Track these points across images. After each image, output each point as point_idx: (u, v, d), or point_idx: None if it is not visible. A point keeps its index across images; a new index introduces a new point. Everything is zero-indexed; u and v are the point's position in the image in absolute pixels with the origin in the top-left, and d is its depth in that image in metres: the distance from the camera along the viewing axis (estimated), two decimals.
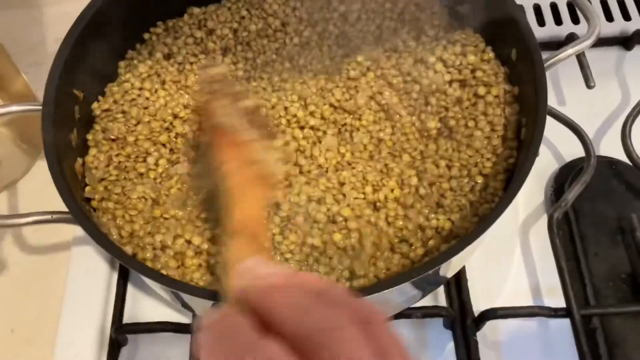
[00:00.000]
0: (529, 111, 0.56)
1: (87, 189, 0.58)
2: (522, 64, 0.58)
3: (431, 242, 0.55)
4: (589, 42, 0.58)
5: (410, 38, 0.66)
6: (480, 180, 0.57)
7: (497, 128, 0.58)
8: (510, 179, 0.55)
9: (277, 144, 0.57)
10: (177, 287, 0.47)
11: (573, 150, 0.68)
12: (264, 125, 0.57)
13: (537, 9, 0.82)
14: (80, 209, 0.51)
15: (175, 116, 0.64)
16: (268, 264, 0.37)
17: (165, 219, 0.56)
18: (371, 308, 0.31)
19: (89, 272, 0.67)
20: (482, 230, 0.49)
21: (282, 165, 0.54)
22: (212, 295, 0.44)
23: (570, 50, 0.59)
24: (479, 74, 0.61)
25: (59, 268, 0.68)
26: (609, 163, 0.68)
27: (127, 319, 0.63)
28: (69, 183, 0.53)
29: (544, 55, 0.58)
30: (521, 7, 0.59)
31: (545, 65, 0.57)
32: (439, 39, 0.65)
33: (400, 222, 0.56)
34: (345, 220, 0.55)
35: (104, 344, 0.62)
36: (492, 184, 0.56)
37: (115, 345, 0.61)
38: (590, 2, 0.82)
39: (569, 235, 0.65)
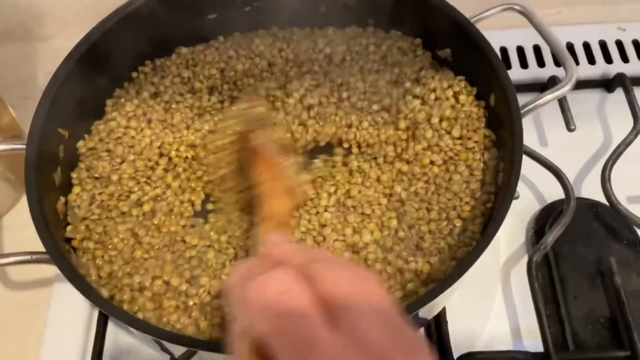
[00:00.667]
0: (506, 156, 0.57)
1: (69, 228, 0.59)
2: (500, 110, 0.59)
3: (410, 285, 0.55)
4: (567, 88, 0.59)
5: (391, 79, 0.67)
6: (458, 223, 0.57)
7: (476, 172, 0.59)
8: (488, 222, 0.56)
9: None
10: (149, 331, 0.47)
11: (554, 191, 0.68)
12: (289, 151, 0.63)
13: (520, 51, 0.84)
14: (58, 250, 0.51)
15: (160, 154, 0.64)
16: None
17: (145, 259, 0.57)
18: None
19: (70, 309, 0.67)
20: (459, 274, 0.49)
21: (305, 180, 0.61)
22: (185, 340, 0.44)
23: (549, 97, 0.60)
24: (465, 116, 0.62)
25: (40, 304, 0.68)
26: (589, 205, 0.69)
27: (107, 357, 0.63)
28: (50, 223, 0.54)
29: (524, 99, 0.60)
30: (496, 55, 0.59)
31: (524, 110, 0.59)
32: (421, 80, 0.66)
33: (379, 265, 0.56)
34: None
35: None
36: (471, 227, 0.56)
37: None
38: (573, 46, 0.84)
39: (548, 278, 0.65)
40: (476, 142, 0.61)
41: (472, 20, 0.65)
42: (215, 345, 0.45)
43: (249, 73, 0.71)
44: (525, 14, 0.64)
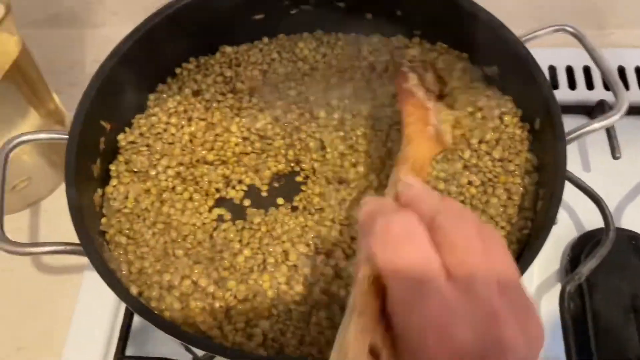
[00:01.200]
0: (547, 184, 0.56)
1: (103, 220, 0.59)
2: (545, 135, 0.57)
3: None
4: (616, 117, 0.57)
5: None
6: None
7: (514, 197, 0.58)
8: (523, 250, 0.55)
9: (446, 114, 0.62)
10: (171, 332, 0.47)
11: (594, 219, 0.66)
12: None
13: (569, 71, 0.82)
14: (92, 242, 0.52)
15: (198, 153, 0.65)
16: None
17: (177, 257, 0.57)
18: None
19: (99, 298, 0.68)
20: None
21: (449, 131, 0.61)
22: (205, 345, 0.45)
23: (597, 125, 0.58)
24: (507, 138, 0.61)
25: (71, 290, 0.70)
26: (629, 237, 0.67)
27: (131, 350, 0.63)
28: (85, 215, 0.55)
29: (570, 121, 0.58)
30: (546, 80, 0.58)
31: (569, 137, 0.57)
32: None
33: None
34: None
35: None
36: None
37: None
38: (625, 69, 0.81)
39: (581, 309, 0.64)
40: (517, 165, 0.59)
41: (522, 40, 0.63)
42: (235, 352, 0.45)
43: (290, 77, 0.70)
44: (577, 36, 0.63)
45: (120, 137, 0.64)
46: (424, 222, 0.34)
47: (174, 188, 0.62)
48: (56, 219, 0.73)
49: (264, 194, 0.63)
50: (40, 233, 0.74)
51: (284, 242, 0.58)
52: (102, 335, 0.66)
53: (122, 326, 0.64)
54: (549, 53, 0.82)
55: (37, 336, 0.68)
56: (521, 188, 0.58)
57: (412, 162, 0.53)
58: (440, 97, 0.65)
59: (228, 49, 0.72)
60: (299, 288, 0.55)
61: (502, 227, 0.56)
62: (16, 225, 0.75)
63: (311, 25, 0.73)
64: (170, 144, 0.64)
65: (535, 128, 0.60)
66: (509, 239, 0.56)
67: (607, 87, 0.79)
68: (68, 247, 0.53)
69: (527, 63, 0.59)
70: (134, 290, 0.52)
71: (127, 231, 0.59)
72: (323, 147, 0.65)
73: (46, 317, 0.69)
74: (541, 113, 0.58)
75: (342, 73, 0.70)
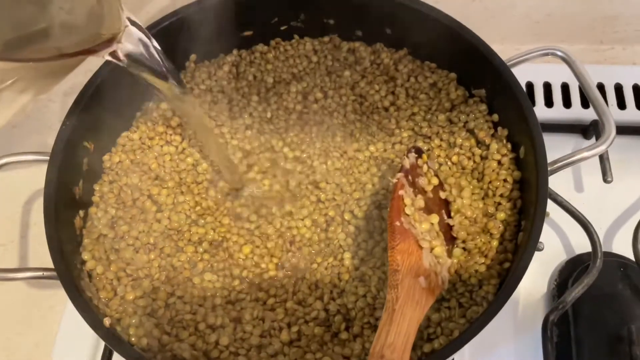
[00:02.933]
0: (527, 215, 0.55)
1: (85, 242, 0.59)
2: (528, 165, 0.56)
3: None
4: (603, 147, 0.56)
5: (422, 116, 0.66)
6: (473, 281, 0.55)
7: (494, 232, 0.57)
8: (502, 284, 0.54)
9: (457, 253, 0.57)
10: None
11: (583, 242, 0.65)
12: (447, 233, 0.58)
13: (565, 89, 0.80)
14: (68, 269, 0.52)
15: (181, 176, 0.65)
16: None
17: (155, 286, 0.57)
18: None
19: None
20: (468, 338, 0.48)
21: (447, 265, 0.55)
22: None
23: (585, 154, 0.57)
24: (495, 166, 0.60)
25: (59, 305, 0.70)
26: (618, 264, 0.66)
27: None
28: (64, 241, 0.55)
29: (564, 140, 0.63)
30: (531, 108, 0.57)
31: (555, 166, 0.56)
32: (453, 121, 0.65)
33: None
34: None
35: None
36: (485, 287, 0.54)
37: None
38: (622, 87, 0.80)
39: (566, 336, 0.63)
40: (501, 195, 0.59)
41: (512, 62, 0.62)
42: None
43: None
44: (567, 60, 0.61)
45: (106, 157, 0.64)
46: None
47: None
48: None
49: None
50: (30, 254, 0.75)
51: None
52: (87, 351, 0.67)
53: (106, 346, 0.64)
54: (545, 70, 0.80)
55: (25, 350, 0.69)
56: (500, 225, 0.57)
57: (390, 352, 0.46)
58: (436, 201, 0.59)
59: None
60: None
61: (482, 262, 0.56)
62: (9, 242, 0.75)
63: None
64: (155, 157, 0.65)
65: (520, 156, 0.59)
66: (489, 273, 0.55)
67: None
68: (46, 274, 0.54)
69: (512, 90, 0.58)
70: (107, 320, 0.52)
71: (107, 255, 0.59)
72: None
73: (34, 331, 0.69)
74: (526, 142, 0.57)
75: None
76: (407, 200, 0.54)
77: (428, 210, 0.56)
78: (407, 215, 0.53)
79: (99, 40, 0.47)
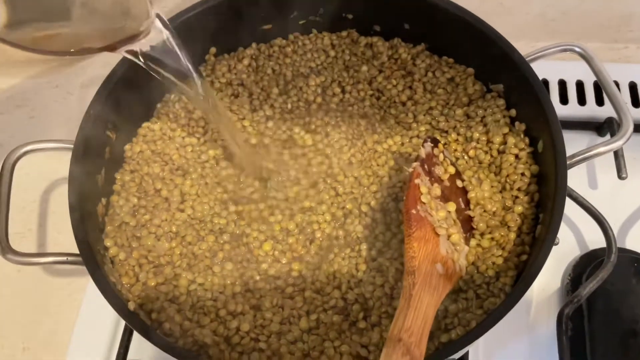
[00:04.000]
0: (545, 209, 0.55)
1: (108, 229, 0.60)
2: (546, 159, 0.57)
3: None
4: (620, 143, 0.57)
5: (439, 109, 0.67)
6: (491, 273, 0.56)
7: (511, 224, 0.58)
8: (520, 276, 0.54)
9: (472, 244, 0.57)
10: (161, 347, 0.48)
11: (597, 238, 0.65)
12: (465, 221, 0.58)
13: (580, 86, 0.81)
14: (92, 254, 0.53)
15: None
16: None
17: (176, 273, 0.58)
18: None
19: (103, 303, 0.69)
20: (485, 329, 0.49)
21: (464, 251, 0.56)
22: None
23: (600, 149, 0.57)
24: (513, 160, 0.61)
25: (76, 294, 0.71)
26: (632, 259, 0.66)
27: (132, 354, 0.65)
28: (88, 226, 0.55)
29: (578, 137, 0.64)
30: (550, 103, 0.57)
31: (572, 160, 0.57)
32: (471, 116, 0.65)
33: None
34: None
35: None
36: (502, 279, 0.55)
37: None
38: (637, 85, 0.80)
39: (580, 330, 0.63)
40: (518, 189, 0.59)
41: (529, 58, 0.63)
42: None
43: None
44: (585, 57, 0.62)
45: (127, 147, 0.65)
46: None
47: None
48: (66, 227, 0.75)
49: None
50: (49, 241, 0.75)
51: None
52: (104, 339, 0.68)
53: (124, 331, 0.65)
54: (560, 67, 0.81)
55: (42, 337, 0.69)
56: (518, 219, 0.58)
57: (407, 336, 0.46)
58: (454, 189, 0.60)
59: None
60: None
61: (500, 255, 0.56)
62: (27, 231, 0.76)
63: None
64: (177, 149, 0.66)
65: (538, 150, 0.59)
66: (507, 265, 0.55)
67: None
68: (70, 258, 0.54)
69: (531, 85, 0.58)
70: (131, 304, 0.53)
71: (129, 242, 0.59)
72: None
73: (52, 319, 0.70)
74: (544, 135, 0.57)
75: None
76: (424, 189, 0.55)
77: (445, 198, 0.57)
78: (424, 203, 0.54)
79: (122, 36, 0.47)
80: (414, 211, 0.53)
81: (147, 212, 0.62)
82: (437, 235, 0.53)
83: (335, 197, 0.64)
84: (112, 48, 0.47)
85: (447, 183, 0.58)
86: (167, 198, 0.63)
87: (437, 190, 0.56)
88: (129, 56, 0.49)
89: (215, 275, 0.58)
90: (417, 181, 0.54)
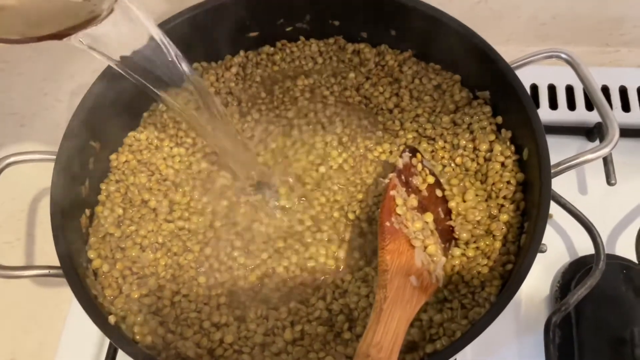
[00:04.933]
0: (530, 217, 0.55)
1: (91, 240, 0.60)
2: (531, 167, 0.57)
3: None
4: (606, 150, 0.56)
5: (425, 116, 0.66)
6: (476, 283, 0.55)
7: (497, 233, 0.57)
8: (504, 286, 0.54)
9: (456, 253, 0.57)
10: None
11: (586, 245, 0.65)
12: (446, 231, 0.58)
13: (569, 91, 0.80)
14: (74, 267, 0.53)
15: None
16: None
17: (160, 284, 0.58)
18: None
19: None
20: (469, 339, 0.48)
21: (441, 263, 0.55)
22: None
23: (588, 157, 0.57)
24: (499, 168, 0.61)
25: (63, 304, 0.71)
26: (620, 266, 0.66)
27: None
28: (70, 239, 0.55)
29: (568, 142, 0.64)
30: (534, 110, 0.57)
31: (558, 169, 0.56)
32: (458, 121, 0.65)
33: None
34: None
35: None
36: (487, 289, 0.55)
37: None
38: (627, 90, 0.80)
39: (568, 338, 0.63)
40: (504, 197, 0.59)
41: (513, 65, 0.62)
42: None
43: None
44: (571, 63, 0.61)
45: (112, 157, 0.65)
46: None
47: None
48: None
49: None
50: (37, 250, 0.75)
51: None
52: (91, 350, 0.68)
53: (110, 344, 0.65)
54: (549, 72, 0.80)
55: (31, 348, 0.69)
56: (503, 227, 0.57)
57: (376, 351, 0.46)
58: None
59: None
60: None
61: (485, 264, 0.56)
62: (15, 240, 0.76)
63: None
64: (163, 159, 0.65)
65: (524, 158, 0.59)
66: (492, 275, 0.55)
67: None
68: (52, 271, 0.55)
69: (517, 93, 0.58)
70: (112, 318, 0.53)
71: (113, 253, 0.59)
72: None
73: (40, 330, 0.70)
74: (530, 144, 0.57)
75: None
76: (399, 200, 0.54)
77: (423, 209, 0.56)
78: (399, 215, 0.53)
79: (77, 20, 0.38)
80: (387, 224, 0.52)
81: (132, 223, 0.61)
82: (413, 247, 0.53)
83: (323, 206, 0.63)
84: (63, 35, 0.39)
85: (425, 193, 0.58)
86: (155, 208, 0.62)
87: (413, 201, 0.56)
88: (84, 46, 0.42)
89: (200, 287, 0.58)
90: (392, 193, 0.54)
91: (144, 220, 0.62)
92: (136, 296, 0.57)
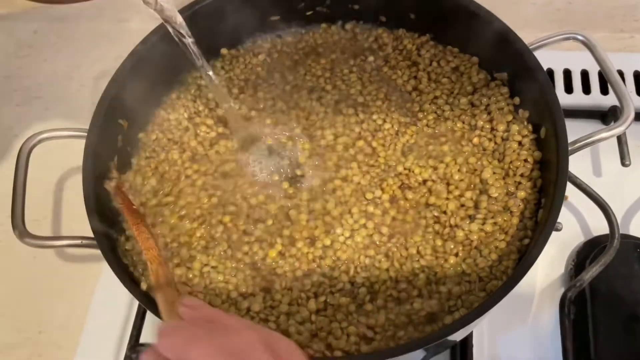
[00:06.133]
0: (547, 194, 0.56)
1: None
2: (548, 145, 0.58)
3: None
4: (622, 128, 0.58)
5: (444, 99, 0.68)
6: (494, 257, 0.57)
7: (514, 209, 0.59)
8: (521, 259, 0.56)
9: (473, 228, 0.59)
10: None
11: (601, 225, 0.67)
12: None
13: (585, 75, 0.81)
14: (106, 237, 0.55)
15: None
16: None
17: (191, 255, 0.59)
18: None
19: (116, 288, 0.70)
20: (486, 308, 0.50)
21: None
22: None
23: (603, 135, 0.58)
24: (516, 147, 0.62)
25: (90, 278, 0.73)
26: (635, 245, 0.67)
27: (144, 338, 0.67)
28: (103, 210, 0.57)
29: (583, 126, 0.64)
30: (552, 90, 0.58)
31: (574, 147, 0.57)
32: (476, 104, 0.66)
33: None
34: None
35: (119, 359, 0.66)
36: (505, 262, 0.56)
37: None
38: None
39: (582, 315, 0.64)
40: (521, 175, 0.60)
41: (533, 47, 0.64)
42: None
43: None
44: (588, 45, 0.63)
45: (141, 135, 0.67)
46: None
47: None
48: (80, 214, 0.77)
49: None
50: (63, 227, 0.78)
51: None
52: (118, 322, 0.70)
53: (137, 315, 0.67)
54: (565, 56, 0.82)
55: (58, 321, 0.71)
56: (520, 204, 0.59)
57: (160, 285, 0.52)
58: None
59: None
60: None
61: (503, 239, 0.57)
62: (42, 218, 0.78)
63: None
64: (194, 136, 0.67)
65: (541, 136, 0.60)
66: (509, 249, 0.56)
67: None
68: (84, 242, 0.56)
69: (534, 73, 0.59)
70: (144, 284, 0.55)
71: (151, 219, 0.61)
72: None
73: (67, 303, 0.72)
74: (547, 122, 0.58)
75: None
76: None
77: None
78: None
79: None
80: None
81: (168, 194, 0.63)
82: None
83: (342, 188, 0.64)
84: None
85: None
86: (194, 181, 0.64)
87: None
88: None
89: (229, 259, 0.60)
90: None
91: (183, 194, 0.63)
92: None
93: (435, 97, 0.68)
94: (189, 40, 0.58)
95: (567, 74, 0.82)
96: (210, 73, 0.62)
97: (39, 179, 0.80)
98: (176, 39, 0.57)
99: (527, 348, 0.65)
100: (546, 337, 0.65)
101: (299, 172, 0.65)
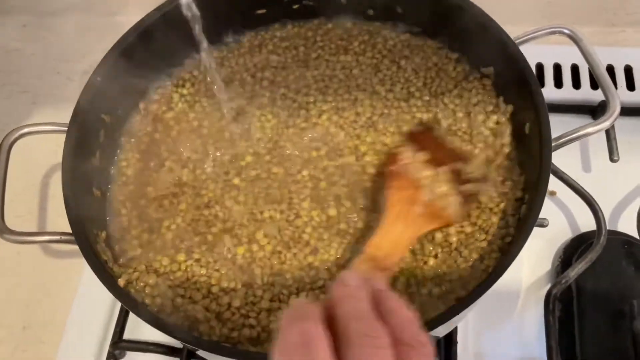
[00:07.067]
0: (530, 190, 0.56)
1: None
2: (532, 140, 0.57)
3: None
4: (607, 124, 0.57)
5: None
6: (475, 256, 0.56)
7: (493, 207, 0.58)
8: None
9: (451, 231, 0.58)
10: (152, 323, 0.49)
11: (588, 221, 0.66)
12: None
13: (575, 70, 0.81)
14: (85, 233, 0.54)
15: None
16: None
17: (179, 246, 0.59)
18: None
19: (100, 283, 0.70)
20: (463, 306, 0.49)
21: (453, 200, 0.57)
22: (184, 337, 0.47)
23: (589, 130, 0.57)
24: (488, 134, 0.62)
25: (74, 274, 0.73)
26: (622, 242, 0.67)
27: (128, 334, 0.66)
28: (81, 206, 0.57)
29: (572, 121, 0.64)
30: (537, 85, 0.57)
31: (559, 142, 0.57)
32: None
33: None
34: None
35: (102, 356, 0.66)
36: (486, 261, 0.55)
37: (111, 358, 0.64)
38: (632, 69, 0.80)
39: (569, 311, 0.64)
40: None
41: (519, 41, 0.63)
42: (213, 345, 0.47)
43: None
44: (574, 38, 0.62)
45: (124, 129, 0.67)
46: (335, 328, 0.34)
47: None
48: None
49: None
50: (48, 223, 0.77)
51: None
52: (101, 318, 0.69)
53: (120, 311, 0.67)
54: (555, 51, 0.81)
55: (42, 317, 0.71)
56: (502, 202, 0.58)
57: (375, 249, 0.52)
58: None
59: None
60: None
61: (484, 239, 0.57)
62: (27, 213, 0.78)
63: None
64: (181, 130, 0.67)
65: (525, 132, 0.59)
66: (490, 248, 0.56)
67: None
68: (63, 237, 0.56)
69: (518, 65, 0.59)
70: (121, 280, 0.54)
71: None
72: None
73: (51, 299, 0.72)
74: (530, 115, 0.58)
75: None
76: (408, 154, 0.59)
77: (437, 163, 0.59)
78: (407, 164, 0.58)
79: None
80: (392, 168, 0.59)
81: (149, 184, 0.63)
82: (418, 186, 0.57)
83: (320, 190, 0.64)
84: None
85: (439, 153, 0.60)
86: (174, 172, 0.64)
87: (423, 156, 0.59)
88: None
89: (211, 253, 0.59)
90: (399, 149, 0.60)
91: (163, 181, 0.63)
92: (145, 260, 0.58)
93: (418, 90, 0.68)
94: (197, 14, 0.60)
95: (557, 68, 0.81)
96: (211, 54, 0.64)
97: (25, 174, 0.80)
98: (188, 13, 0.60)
99: (512, 345, 0.64)
100: (532, 334, 0.64)
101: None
